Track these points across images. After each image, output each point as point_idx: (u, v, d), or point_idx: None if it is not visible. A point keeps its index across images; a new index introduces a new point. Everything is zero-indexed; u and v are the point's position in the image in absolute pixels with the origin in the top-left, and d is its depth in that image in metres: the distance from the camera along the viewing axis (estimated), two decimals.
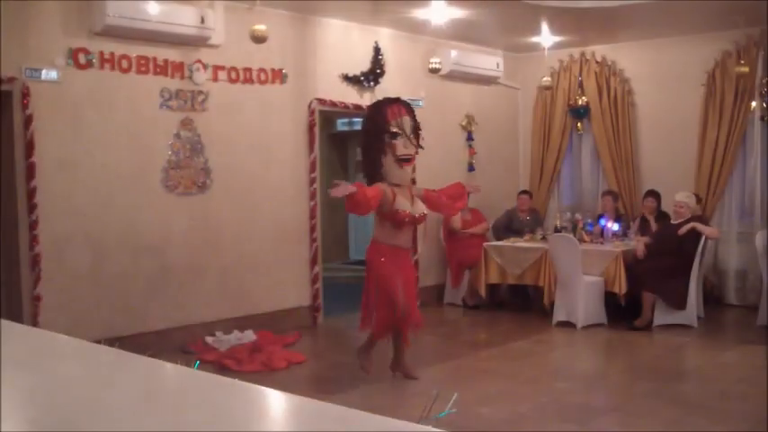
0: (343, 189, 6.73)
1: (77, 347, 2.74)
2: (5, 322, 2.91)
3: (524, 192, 12.15)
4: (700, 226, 9.54)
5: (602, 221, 10.72)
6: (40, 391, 2.18)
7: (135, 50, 8.27)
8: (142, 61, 8.33)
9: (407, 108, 7.51)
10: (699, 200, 10.56)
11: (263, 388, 2.10)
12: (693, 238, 9.51)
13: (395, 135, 7.24)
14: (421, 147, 7.56)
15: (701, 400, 6.83)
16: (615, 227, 10.66)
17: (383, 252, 7.32)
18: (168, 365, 2.39)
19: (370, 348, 7.51)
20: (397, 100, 7.57)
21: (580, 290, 9.63)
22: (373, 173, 7.34)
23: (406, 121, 7.37)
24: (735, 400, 6.90)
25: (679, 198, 9.79)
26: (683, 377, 7.97)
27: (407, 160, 7.39)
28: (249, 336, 8.80)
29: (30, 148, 7.53)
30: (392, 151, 7.24)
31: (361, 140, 7.71)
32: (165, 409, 2.02)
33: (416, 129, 7.49)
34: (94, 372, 2.44)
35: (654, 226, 10.46)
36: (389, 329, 7.35)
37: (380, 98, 8.09)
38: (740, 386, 7.33)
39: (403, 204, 7.22)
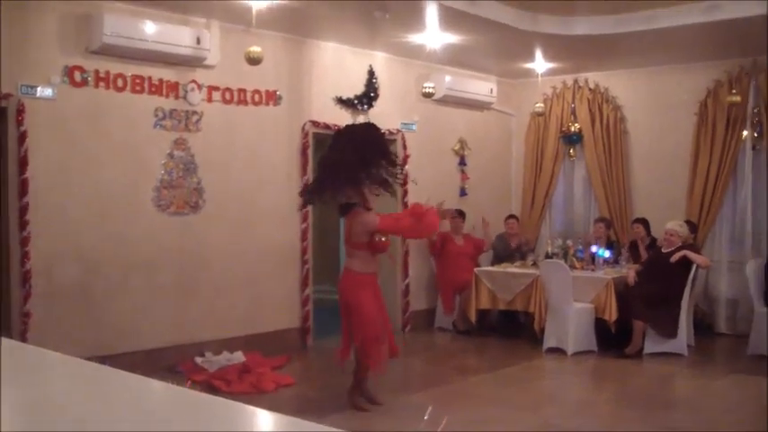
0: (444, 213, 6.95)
1: (66, 363, 2.73)
2: None
3: (511, 216, 12.17)
4: (691, 254, 9.55)
5: (594, 248, 10.72)
6: (29, 406, 2.17)
7: (130, 69, 8.29)
8: (137, 80, 8.35)
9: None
10: (693, 228, 10.58)
11: (252, 407, 2.10)
12: (684, 266, 9.52)
13: (392, 162, 7.25)
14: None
15: (690, 429, 6.81)
16: (606, 254, 10.67)
17: (361, 282, 7.17)
18: (157, 383, 2.39)
19: (361, 386, 7.35)
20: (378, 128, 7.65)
21: (571, 316, 9.63)
22: (346, 194, 7.17)
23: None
24: (724, 429, 6.88)
25: (670, 226, 9.80)
26: (673, 406, 7.95)
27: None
28: (239, 357, 8.76)
29: (23, 164, 7.52)
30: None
31: (346, 158, 7.12)
32: (154, 427, 2.02)
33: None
34: (84, 388, 2.43)
35: (644, 253, 10.49)
36: (383, 357, 7.24)
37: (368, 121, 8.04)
38: (730, 416, 7.31)
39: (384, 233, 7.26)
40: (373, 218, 7.11)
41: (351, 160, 7.04)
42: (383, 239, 7.16)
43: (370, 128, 7.65)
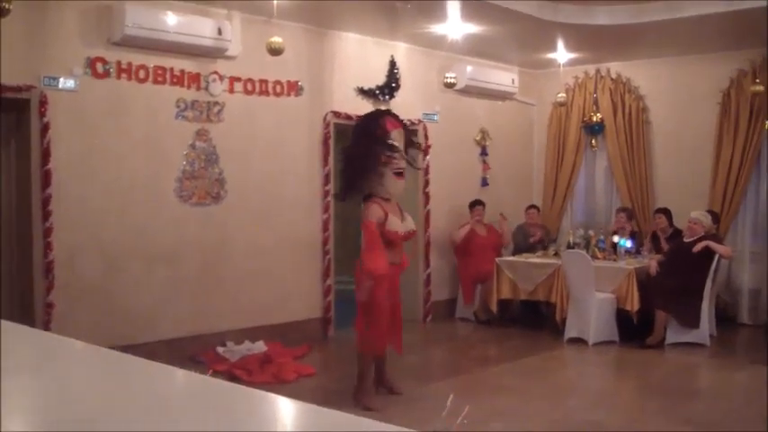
0: (366, 286, 6.87)
1: (89, 352, 2.75)
2: (19, 326, 2.93)
3: (532, 206, 12.16)
4: (713, 244, 9.50)
5: (615, 238, 10.68)
6: (52, 394, 2.19)
7: (152, 61, 8.32)
8: (159, 71, 8.38)
9: (401, 121, 7.49)
10: (716, 218, 10.51)
11: (274, 395, 2.11)
12: (707, 256, 9.47)
13: (393, 147, 7.14)
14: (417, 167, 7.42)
15: (713, 420, 6.77)
16: (628, 243, 10.62)
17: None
18: (179, 371, 2.40)
19: (365, 383, 7.27)
20: (389, 112, 7.54)
21: (592, 307, 9.60)
22: (362, 185, 7.22)
23: (401, 133, 7.33)
24: (746, 420, 6.85)
25: (694, 215, 9.75)
26: (695, 396, 7.92)
27: (402, 173, 7.27)
28: (260, 347, 8.80)
29: (46, 156, 7.57)
30: (389, 163, 7.13)
31: (352, 150, 7.36)
32: (176, 415, 2.03)
33: (410, 141, 7.47)
34: (106, 376, 2.45)
35: (664, 243, 10.43)
36: (382, 345, 7.24)
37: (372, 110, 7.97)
38: (752, 407, 7.27)
39: (394, 223, 7.09)
40: (370, 212, 7.07)
41: (352, 154, 7.25)
42: (393, 231, 7.06)
43: (364, 118, 7.69)
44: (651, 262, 9.84)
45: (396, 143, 7.18)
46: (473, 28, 9.65)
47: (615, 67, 12.28)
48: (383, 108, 7.72)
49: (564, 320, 9.99)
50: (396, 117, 7.48)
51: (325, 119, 9.93)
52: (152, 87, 8.34)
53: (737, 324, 11.05)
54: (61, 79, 7.70)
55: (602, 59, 12.13)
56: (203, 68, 8.75)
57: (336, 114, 10.00)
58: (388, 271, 6.98)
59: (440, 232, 11.41)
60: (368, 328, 7.18)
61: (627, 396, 7.92)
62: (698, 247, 9.44)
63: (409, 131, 7.65)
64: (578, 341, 9.71)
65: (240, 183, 9.08)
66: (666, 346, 9.46)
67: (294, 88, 9.60)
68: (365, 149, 7.18)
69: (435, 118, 11.35)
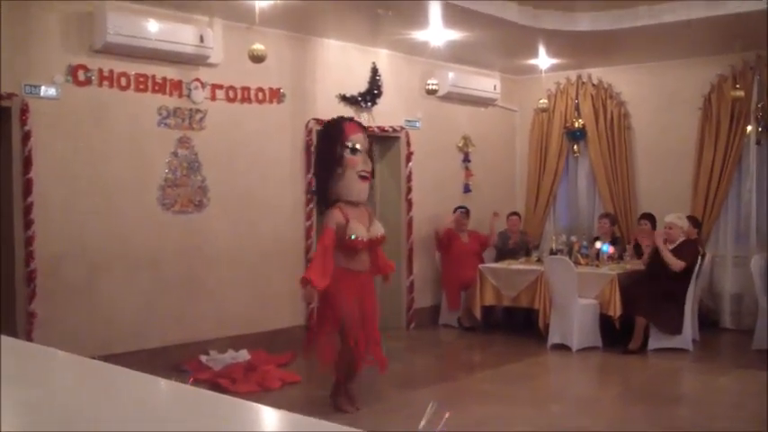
0: (306, 294, 6.89)
1: (72, 362, 2.74)
2: (0, 336, 2.91)
3: (514, 213, 12.18)
4: (664, 251, 9.50)
5: (598, 244, 10.71)
6: (34, 404, 2.18)
7: (134, 68, 8.30)
8: (141, 79, 8.36)
9: (363, 127, 7.48)
10: (697, 223, 10.54)
11: (258, 405, 2.10)
12: (686, 260, 9.48)
13: (355, 151, 7.08)
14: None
15: (696, 425, 6.80)
16: (610, 249, 10.65)
17: (340, 277, 6.97)
18: (162, 381, 2.39)
19: (346, 385, 7.27)
20: (353, 119, 7.55)
21: (575, 312, 9.62)
22: (327, 192, 7.19)
23: (363, 138, 7.27)
24: (729, 425, 6.87)
25: (669, 219, 9.74)
26: (678, 401, 7.94)
27: (366, 177, 7.21)
28: (244, 355, 8.77)
29: (27, 164, 7.53)
30: (352, 167, 7.07)
31: (315, 158, 7.39)
32: (159, 424, 2.02)
33: (371, 150, 7.43)
34: (89, 386, 2.44)
35: (646, 250, 10.42)
36: (336, 358, 7.14)
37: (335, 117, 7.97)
38: (735, 411, 7.31)
39: (356, 229, 6.97)
40: (330, 218, 7.04)
41: (316, 160, 7.37)
42: (352, 237, 6.95)
43: (325, 124, 7.73)
44: (657, 238, 9.77)
45: (358, 146, 7.13)
46: (455, 34, 9.67)
47: (597, 73, 12.34)
48: (346, 116, 7.75)
49: (547, 326, 10.01)
50: (358, 123, 7.53)
51: (307, 126, 9.92)
52: (134, 95, 8.32)
53: (720, 328, 11.10)
54: (43, 87, 7.66)
55: (583, 65, 12.18)
56: (185, 76, 8.73)
57: (318, 122, 9.97)
58: (324, 285, 6.83)
59: (422, 239, 11.41)
60: (316, 338, 7.19)
61: (610, 402, 7.92)
62: (662, 250, 9.47)
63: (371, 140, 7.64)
64: (562, 347, 9.73)
65: (223, 190, 9.06)
66: (650, 351, 9.49)
67: (276, 95, 9.60)
68: (327, 154, 7.17)
69: (417, 125, 11.36)
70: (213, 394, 2.24)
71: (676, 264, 9.48)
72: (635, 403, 7.61)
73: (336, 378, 7.26)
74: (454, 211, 11.44)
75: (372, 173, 7.35)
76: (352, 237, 6.93)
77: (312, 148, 9.87)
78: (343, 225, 6.97)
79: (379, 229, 7.26)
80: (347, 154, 7.06)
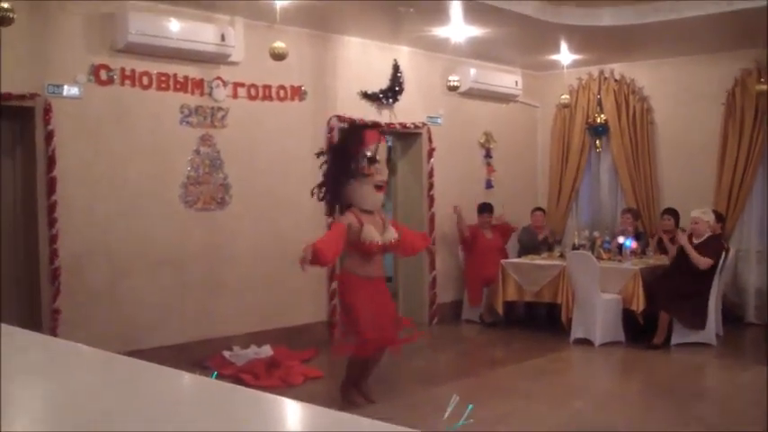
0: (305, 255, 6.69)
1: (96, 356, 2.76)
2: (26, 332, 2.94)
3: (538, 209, 12.16)
4: (690, 251, 9.45)
5: (621, 239, 10.66)
6: (58, 399, 2.20)
7: (156, 67, 8.34)
8: (163, 78, 8.40)
9: (382, 135, 7.49)
10: (720, 218, 10.46)
11: (283, 398, 2.11)
12: (713, 256, 9.43)
13: (373, 160, 7.07)
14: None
15: (719, 421, 6.77)
16: (633, 244, 10.60)
17: (353, 283, 7.10)
18: (186, 375, 2.41)
19: (352, 380, 7.32)
20: (375, 125, 7.52)
21: (598, 307, 9.59)
22: (340, 197, 7.22)
23: (382, 147, 7.28)
24: (754, 420, 6.83)
25: (694, 214, 9.69)
26: (702, 397, 7.91)
27: (382, 187, 7.25)
28: (266, 351, 8.80)
29: (51, 163, 7.59)
30: (370, 177, 7.08)
31: (332, 160, 7.37)
32: (184, 418, 2.04)
33: (388, 158, 7.46)
34: (113, 380, 2.46)
35: (668, 245, 10.36)
36: (372, 348, 7.15)
37: (357, 122, 7.96)
38: (757, 407, 7.25)
39: (370, 233, 6.99)
40: (342, 218, 7.12)
41: (332, 166, 7.28)
42: (368, 241, 6.98)
43: (344, 131, 7.81)
44: (681, 237, 9.70)
45: (377, 156, 7.13)
46: (476, 31, 9.65)
47: (619, 68, 12.28)
48: (368, 122, 7.73)
49: (570, 321, 9.98)
50: (377, 130, 7.53)
51: (329, 123, 9.93)
52: (156, 94, 8.36)
53: (744, 323, 11.03)
54: (65, 87, 7.72)
55: (605, 60, 12.12)
56: (207, 74, 8.77)
57: (340, 118, 10.00)
58: (332, 260, 7.03)
59: (445, 235, 11.41)
60: (344, 329, 7.30)
61: (633, 397, 7.89)
62: (687, 248, 9.44)
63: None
64: (584, 342, 9.71)
65: (245, 187, 9.09)
66: (673, 346, 9.44)
67: (298, 93, 9.62)
68: (345, 162, 7.15)
69: (439, 121, 11.36)
70: (237, 387, 2.25)
71: (704, 262, 9.42)
72: (658, 398, 7.58)
73: (347, 374, 7.31)
74: (480, 213, 11.41)
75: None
76: (368, 239, 6.96)
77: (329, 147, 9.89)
78: (356, 228, 7.00)
79: (392, 235, 7.25)
80: (366, 163, 7.07)
